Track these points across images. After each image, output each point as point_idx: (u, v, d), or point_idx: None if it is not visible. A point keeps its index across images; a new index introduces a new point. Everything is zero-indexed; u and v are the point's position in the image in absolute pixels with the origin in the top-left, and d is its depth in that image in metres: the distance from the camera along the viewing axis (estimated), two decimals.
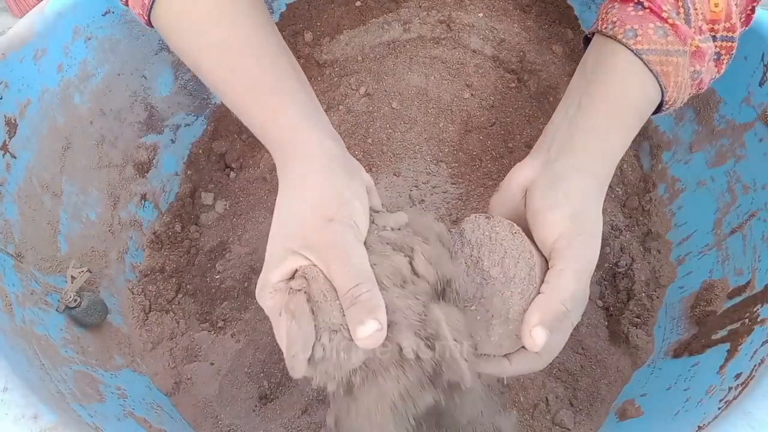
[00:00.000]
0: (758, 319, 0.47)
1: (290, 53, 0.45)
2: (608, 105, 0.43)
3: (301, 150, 0.41)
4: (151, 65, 0.65)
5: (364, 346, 0.34)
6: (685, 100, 0.44)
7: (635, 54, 0.42)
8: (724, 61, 0.44)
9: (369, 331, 0.34)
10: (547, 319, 0.37)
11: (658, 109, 0.44)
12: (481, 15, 0.72)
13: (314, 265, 0.37)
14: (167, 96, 0.67)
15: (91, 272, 0.52)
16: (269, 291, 0.38)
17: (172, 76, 0.68)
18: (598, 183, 0.42)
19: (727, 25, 0.42)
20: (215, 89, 0.44)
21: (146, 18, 0.44)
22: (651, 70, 0.42)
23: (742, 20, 0.44)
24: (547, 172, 0.42)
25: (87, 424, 0.40)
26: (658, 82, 0.42)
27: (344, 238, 0.37)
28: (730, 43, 0.43)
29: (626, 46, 0.42)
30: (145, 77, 0.65)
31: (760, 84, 0.54)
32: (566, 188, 0.41)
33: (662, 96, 0.43)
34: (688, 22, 0.41)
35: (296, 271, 0.37)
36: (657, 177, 0.65)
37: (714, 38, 0.43)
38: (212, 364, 0.59)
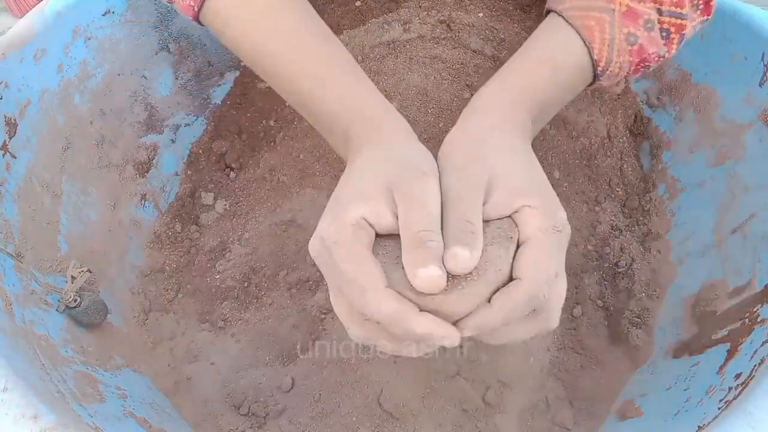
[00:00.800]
0: (758, 319, 0.47)
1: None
2: (523, 56, 0.44)
3: (387, 124, 0.42)
4: (151, 65, 0.65)
5: (421, 287, 0.33)
6: (628, 69, 0.44)
7: (558, 14, 0.43)
8: (675, 41, 0.45)
9: (431, 273, 0.32)
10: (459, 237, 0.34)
11: (595, 74, 0.44)
12: (481, 15, 0.72)
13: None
14: (167, 96, 0.67)
15: (91, 272, 0.52)
16: (351, 222, 0.35)
17: (172, 76, 0.68)
18: (495, 117, 0.42)
19: None
20: (277, 79, 0.45)
21: (196, 11, 0.45)
22: (571, 25, 0.42)
23: (698, 4, 0.44)
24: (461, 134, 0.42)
25: (87, 424, 0.40)
26: (579, 36, 0.42)
27: (434, 190, 0.36)
28: (679, 21, 0.43)
29: (554, 11, 0.43)
30: (145, 77, 0.65)
31: (760, 84, 0.54)
32: (458, 134, 0.42)
33: (591, 55, 0.43)
34: None
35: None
36: (657, 177, 0.65)
37: (660, 12, 0.43)
38: (212, 364, 0.59)
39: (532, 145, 0.43)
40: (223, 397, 0.57)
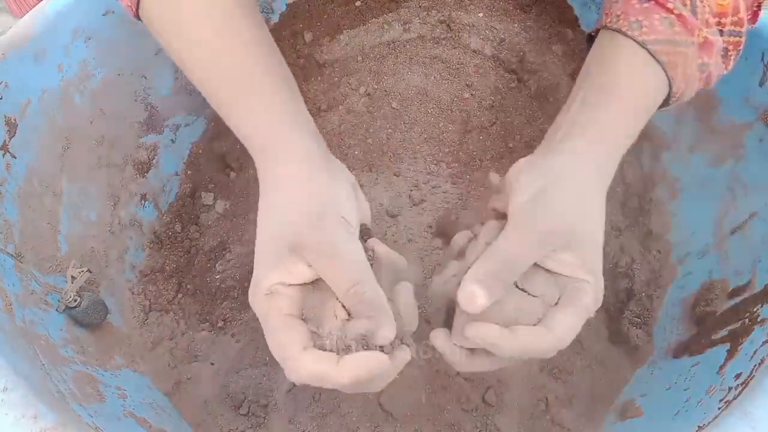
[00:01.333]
0: (758, 319, 0.47)
1: (276, 50, 0.44)
2: (612, 97, 0.40)
3: (283, 153, 0.40)
4: (151, 65, 0.65)
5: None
6: (693, 95, 0.43)
7: (641, 45, 0.40)
8: (732, 57, 0.44)
9: (391, 334, 0.34)
10: (483, 275, 0.35)
11: (665, 102, 0.42)
12: (481, 15, 0.72)
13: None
14: (167, 96, 0.67)
15: (91, 272, 0.52)
16: (264, 293, 0.36)
17: (172, 76, 0.68)
18: (591, 167, 0.39)
19: (735, 19, 0.42)
20: (199, 89, 0.43)
21: (134, 10, 0.44)
22: (658, 61, 0.40)
23: (749, 17, 0.43)
24: (536, 158, 0.41)
25: (87, 424, 0.40)
26: (665, 73, 0.40)
27: (336, 236, 0.36)
28: (737, 38, 0.43)
29: (632, 38, 0.40)
30: (145, 77, 0.65)
31: (760, 84, 0.54)
32: (544, 167, 0.39)
33: (669, 88, 0.41)
34: (694, 13, 0.40)
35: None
36: (657, 177, 0.65)
37: (721, 32, 0.42)
38: (212, 364, 0.59)
39: None
40: (223, 397, 0.57)
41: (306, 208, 0.37)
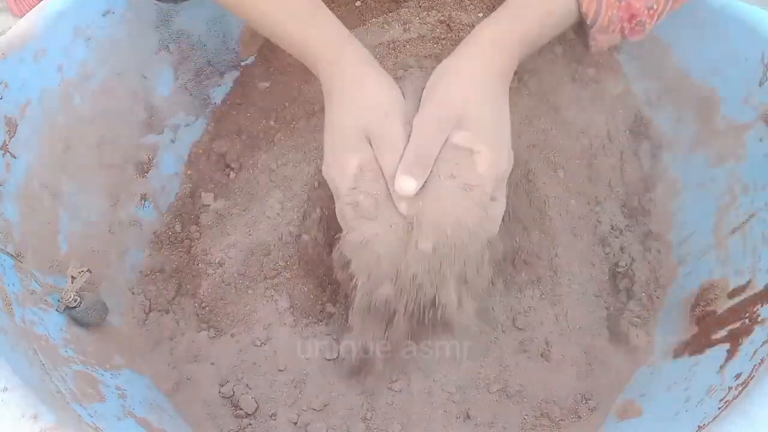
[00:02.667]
0: (758, 319, 0.47)
1: None
2: (515, 10, 0.50)
3: (352, 56, 0.50)
4: (151, 65, 0.65)
5: (400, 190, 0.44)
6: (618, 23, 0.49)
7: None
8: None
9: (408, 181, 0.44)
10: (408, 166, 0.45)
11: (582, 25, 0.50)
12: (481, 15, 0.72)
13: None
14: (167, 96, 0.67)
15: (91, 272, 0.52)
16: (346, 168, 0.47)
17: (172, 76, 0.68)
18: (476, 63, 0.49)
19: None
20: (263, 28, 0.53)
21: None
22: None
23: None
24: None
25: (87, 424, 0.40)
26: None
27: (395, 132, 0.47)
28: None
29: None
30: (145, 77, 0.65)
31: (760, 84, 0.54)
32: (439, 68, 0.50)
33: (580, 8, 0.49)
34: None
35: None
36: (657, 177, 0.65)
37: None
38: (212, 364, 0.59)
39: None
40: (222, 397, 0.57)
41: (376, 105, 0.48)
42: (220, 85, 0.71)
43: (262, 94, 0.72)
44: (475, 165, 0.45)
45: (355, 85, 0.49)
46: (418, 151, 0.45)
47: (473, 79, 0.48)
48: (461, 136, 0.46)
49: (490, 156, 0.46)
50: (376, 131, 0.47)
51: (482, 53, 0.49)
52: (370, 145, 0.47)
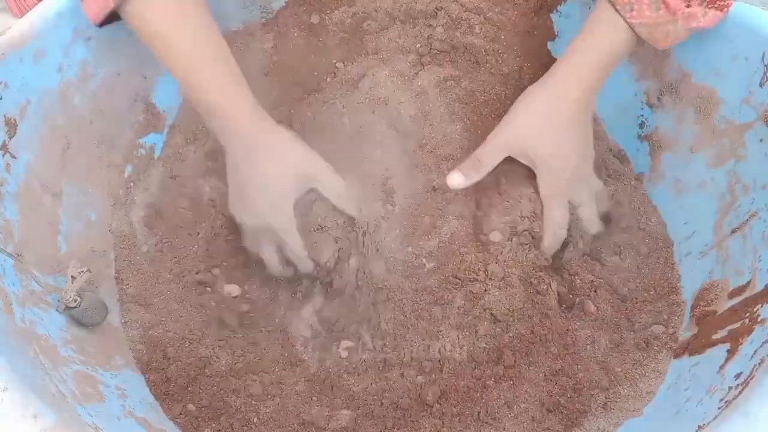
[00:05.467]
0: (758, 319, 0.47)
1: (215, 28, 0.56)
2: (584, 51, 0.55)
3: (257, 122, 0.56)
4: (151, 65, 0.65)
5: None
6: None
7: (629, 26, 0.52)
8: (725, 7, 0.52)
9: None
10: (461, 167, 0.59)
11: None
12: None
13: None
14: (167, 96, 0.67)
15: (91, 272, 0.52)
16: (288, 210, 0.56)
17: (172, 76, 0.67)
18: (561, 102, 0.55)
19: None
20: (176, 69, 0.54)
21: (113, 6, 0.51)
22: (639, 37, 0.53)
23: None
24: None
25: (87, 424, 0.40)
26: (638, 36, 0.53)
27: (324, 163, 0.58)
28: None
29: (623, 18, 0.52)
30: (145, 77, 0.65)
31: (760, 84, 0.54)
32: (523, 100, 0.57)
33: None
34: None
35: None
36: (657, 177, 0.65)
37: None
38: (212, 364, 0.58)
39: None
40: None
41: (308, 154, 0.58)
42: None
43: (261, 96, 0.72)
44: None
45: (284, 142, 0.57)
46: (474, 157, 0.58)
47: (551, 119, 0.56)
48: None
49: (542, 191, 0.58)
50: (317, 171, 0.57)
51: (557, 85, 0.56)
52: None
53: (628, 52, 0.56)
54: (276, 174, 0.55)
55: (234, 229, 0.62)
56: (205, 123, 0.57)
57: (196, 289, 0.61)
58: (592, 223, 0.60)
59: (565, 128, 0.56)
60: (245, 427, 0.53)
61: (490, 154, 0.58)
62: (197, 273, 0.62)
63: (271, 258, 0.59)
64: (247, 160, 0.55)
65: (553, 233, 0.59)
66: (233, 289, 0.62)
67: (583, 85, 0.55)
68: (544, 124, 0.56)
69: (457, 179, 0.58)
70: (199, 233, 0.64)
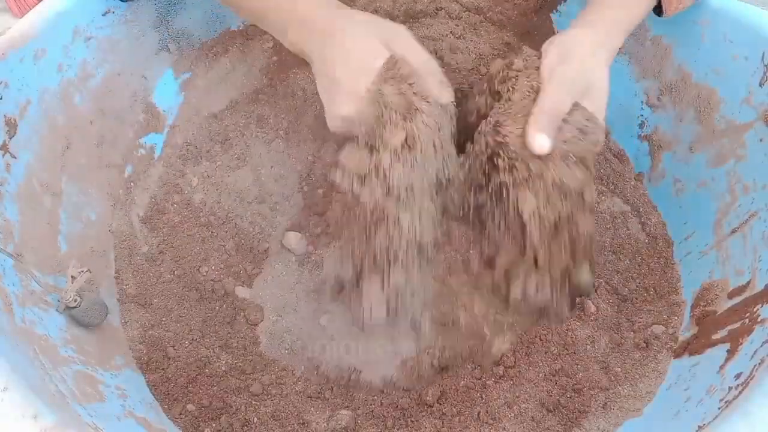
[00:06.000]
0: (758, 319, 0.47)
1: None
2: (623, 5, 0.55)
3: (331, 10, 0.54)
4: (151, 65, 0.65)
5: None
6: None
7: None
8: None
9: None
10: (542, 126, 0.49)
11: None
12: None
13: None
14: (167, 96, 0.67)
15: (91, 272, 0.52)
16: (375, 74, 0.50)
17: (172, 76, 0.68)
18: (597, 38, 0.53)
19: None
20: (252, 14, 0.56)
21: None
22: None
23: None
24: (557, 36, 0.54)
25: (87, 424, 0.40)
26: None
27: (414, 41, 0.53)
28: None
29: None
30: (145, 77, 0.65)
31: (760, 84, 0.54)
32: (565, 39, 0.53)
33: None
34: None
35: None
36: (657, 177, 0.65)
37: None
38: (212, 363, 0.58)
39: None
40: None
41: (387, 24, 0.54)
42: None
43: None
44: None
45: (360, 21, 0.53)
46: (552, 112, 0.50)
47: (597, 54, 0.53)
48: (587, 105, 0.51)
49: (602, 126, 0.52)
50: (396, 39, 0.52)
51: (599, 32, 0.54)
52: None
53: (646, 15, 0.58)
54: (359, 43, 0.51)
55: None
56: (283, 41, 0.55)
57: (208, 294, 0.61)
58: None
59: (605, 71, 0.54)
60: (245, 427, 0.53)
61: (565, 102, 0.51)
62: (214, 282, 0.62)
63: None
64: (330, 47, 0.52)
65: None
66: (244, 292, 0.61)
67: (622, 36, 0.55)
68: (600, 61, 0.53)
69: (544, 142, 0.49)
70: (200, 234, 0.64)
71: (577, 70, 0.51)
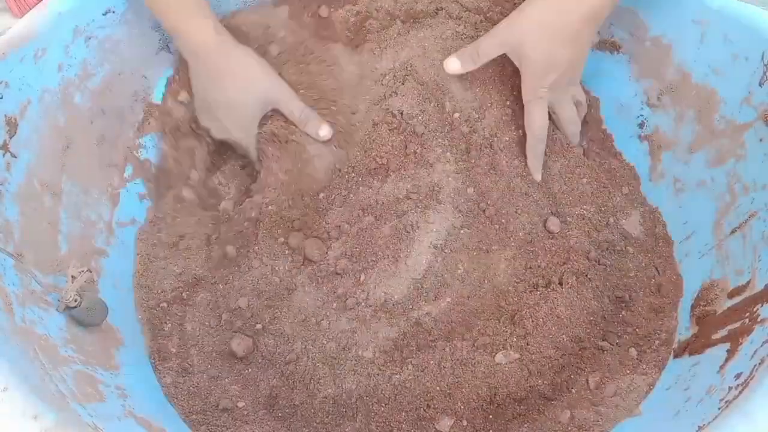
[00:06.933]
0: (758, 319, 0.47)
1: None
2: None
3: (219, 44, 0.58)
4: (151, 65, 0.65)
5: (324, 138, 0.62)
6: None
7: None
8: None
9: (327, 130, 0.62)
10: (459, 54, 0.62)
11: None
12: None
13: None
14: (167, 96, 0.67)
15: (91, 272, 0.52)
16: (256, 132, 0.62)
17: (173, 77, 0.67)
18: (570, 6, 0.55)
19: None
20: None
21: None
22: None
23: None
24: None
25: (87, 424, 0.40)
26: None
27: (286, 87, 0.61)
28: None
29: None
30: (145, 77, 0.65)
31: (760, 84, 0.54)
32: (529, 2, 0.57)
33: None
34: None
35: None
36: (657, 177, 0.65)
37: None
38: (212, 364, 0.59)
39: None
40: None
41: (264, 74, 0.61)
42: None
43: None
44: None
45: (247, 66, 0.59)
46: (474, 47, 0.60)
47: (551, 19, 0.56)
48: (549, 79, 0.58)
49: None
50: (280, 97, 0.61)
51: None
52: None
53: None
54: (241, 100, 0.60)
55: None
56: (173, 42, 0.62)
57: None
58: (570, 127, 0.64)
59: (564, 41, 0.56)
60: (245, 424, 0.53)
61: (489, 47, 0.60)
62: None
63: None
64: (211, 80, 0.59)
65: (533, 136, 0.61)
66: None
67: (592, 1, 0.55)
68: (544, 31, 0.56)
69: (454, 65, 0.61)
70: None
71: (511, 30, 0.58)
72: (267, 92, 0.60)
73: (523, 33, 0.57)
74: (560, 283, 0.58)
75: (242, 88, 0.59)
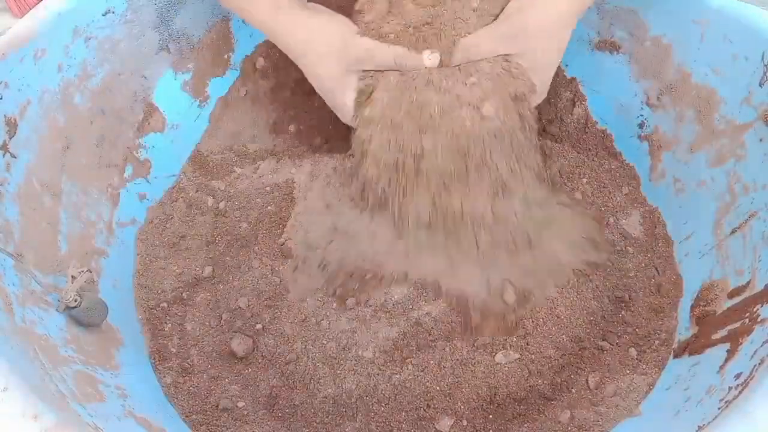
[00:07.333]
0: (758, 319, 0.47)
1: None
2: None
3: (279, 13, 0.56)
4: (151, 65, 0.65)
5: (431, 64, 0.54)
6: None
7: None
8: None
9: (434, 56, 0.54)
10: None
11: None
12: None
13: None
14: (167, 96, 0.67)
15: (91, 272, 0.52)
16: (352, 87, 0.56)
17: (172, 76, 0.68)
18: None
19: None
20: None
21: None
22: None
23: None
24: None
25: (87, 424, 0.40)
26: None
27: (373, 41, 0.55)
28: None
29: None
30: (145, 77, 0.65)
31: (760, 84, 0.54)
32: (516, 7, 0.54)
33: None
34: None
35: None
36: (657, 177, 0.65)
37: None
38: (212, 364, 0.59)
39: None
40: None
41: (348, 33, 0.55)
42: (220, 86, 0.71)
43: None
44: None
45: (314, 25, 0.55)
46: (465, 44, 0.54)
47: (552, 20, 0.54)
48: (522, 63, 0.55)
49: (539, 91, 0.56)
50: (360, 53, 0.55)
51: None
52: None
53: None
54: (325, 75, 0.56)
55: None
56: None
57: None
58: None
59: (549, 37, 0.55)
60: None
61: (486, 47, 0.55)
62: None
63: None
64: (293, 55, 0.57)
65: None
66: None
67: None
68: (534, 32, 0.54)
69: (435, 60, 0.54)
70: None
71: (519, 27, 0.54)
72: (347, 55, 0.55)
73: (520, 33, 0.55)
74: None
75: (318, 60, 0.56)
